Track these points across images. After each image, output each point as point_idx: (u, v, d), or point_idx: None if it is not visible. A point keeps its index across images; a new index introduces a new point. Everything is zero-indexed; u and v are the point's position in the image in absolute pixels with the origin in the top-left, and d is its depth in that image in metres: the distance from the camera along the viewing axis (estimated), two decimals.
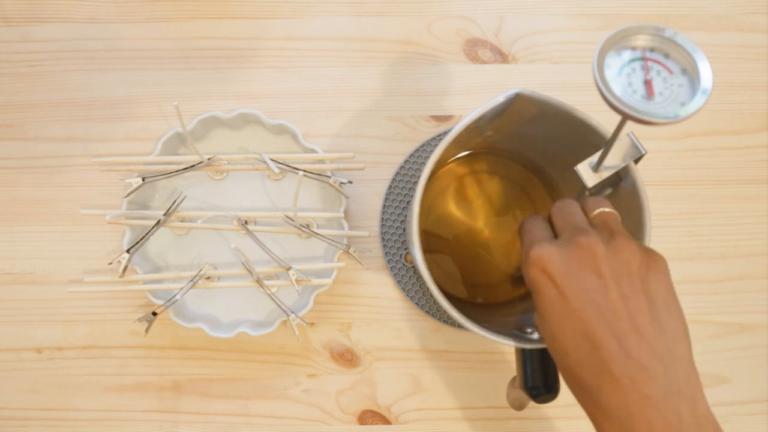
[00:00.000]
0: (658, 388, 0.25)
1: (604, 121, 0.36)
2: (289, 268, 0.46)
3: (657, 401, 0.25)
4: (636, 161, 0.35)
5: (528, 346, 0.35)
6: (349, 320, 0.49)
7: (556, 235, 0.32)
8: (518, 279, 0.48)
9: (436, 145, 0.38)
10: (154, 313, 0.46)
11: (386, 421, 0.48)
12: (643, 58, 0.28)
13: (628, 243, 0.29)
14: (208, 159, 0.47)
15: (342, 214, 0.47)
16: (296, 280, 0.46)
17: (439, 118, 0.52)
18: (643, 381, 0.26)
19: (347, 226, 0.48)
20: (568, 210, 0.32)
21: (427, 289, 0.46)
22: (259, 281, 0.46)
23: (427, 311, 0.49)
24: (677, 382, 0.26)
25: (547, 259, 0.29)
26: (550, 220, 0.33)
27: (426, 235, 0.49)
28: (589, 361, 0.27)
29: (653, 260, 0.29)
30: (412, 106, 0.52)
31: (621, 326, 0.27)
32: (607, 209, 0.32)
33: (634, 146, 0.34)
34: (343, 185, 0.47)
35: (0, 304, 0.49)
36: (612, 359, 0.26)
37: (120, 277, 0.46)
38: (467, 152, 0.49)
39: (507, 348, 0.49)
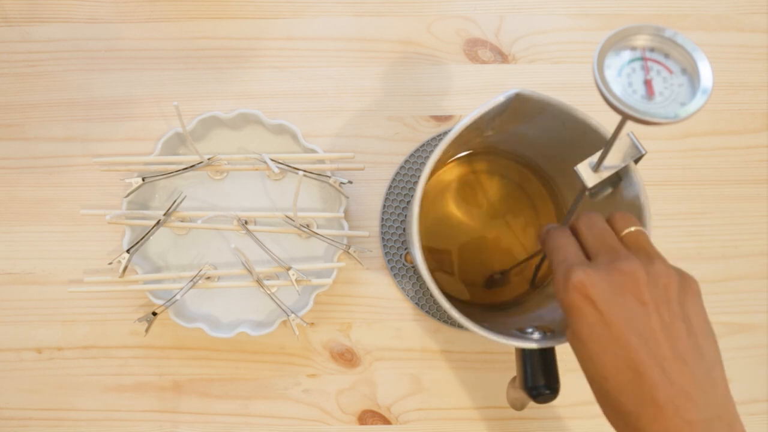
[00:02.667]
0: (699, 414, 0.26)
1: (604, 121, 0.36)
2: (289, 268, 0.46)
3: (698, 426, 0.26)
4: (636, 161, 0.35)
5: (528, 346, 0.35)
6: (349, 320, 0.49)
7: (586, 254, 0.31)
8: (493, 282, 0.48)
9: (436, 145, 0.38)
10: (154, 313, 0.46)
11: (386, 421, 0.48)
12: (643, 58, 0.28)
13: (667, 269, 0.29)
14: (208, 159, 0.47)
15: (342, 214, 0.47)
16: (296, 280, 0.46)
17: (439, 118, 0.52)
18: (685, 407, 0.26)
19: (347, 226, 0.48)
20: (599, 228, 0.32)
21: (427, 289, 0.46)
22: (259, 281, 0.46)
23: (427, 311, 0.49)
24: (716, 407, 0.27)
25: (590, 284, 0.28)
26: (574, 232, 0.33)
27: (426, 235, 0.49)
28: (631, 388, 0.28)
29: (688, 284, 0.29)
30: (412, 106, 0.52)
31: (663, 353, 0.27)
32: (636, 228, 0.31)
33: (634, 146, 0.34)
34: (343, 185, 0.47)
35: (0, 304, 0.49)
36: (656, 386, 0.27)
37: (120, 277, 0.46)
38: (467, 152, 0.49)
39: (507, 348, 0.49)
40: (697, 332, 0.28)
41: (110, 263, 0.46)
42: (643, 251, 0.30)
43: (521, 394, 0.36)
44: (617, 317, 0.28)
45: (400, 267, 0.50)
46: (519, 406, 0.40)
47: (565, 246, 0.31)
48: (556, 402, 0.35)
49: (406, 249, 0.50)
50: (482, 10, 0.54)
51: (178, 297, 0.45)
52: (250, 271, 0.45)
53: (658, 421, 0.27)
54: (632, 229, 0.31)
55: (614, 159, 0.34)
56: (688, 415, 0.26)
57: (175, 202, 0.47)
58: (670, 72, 0.28)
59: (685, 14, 0.54)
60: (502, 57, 0.53)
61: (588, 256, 0.31)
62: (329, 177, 0.47)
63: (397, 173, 0.51)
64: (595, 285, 0.28)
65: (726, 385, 0.28)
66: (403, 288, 0.49)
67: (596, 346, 0.28)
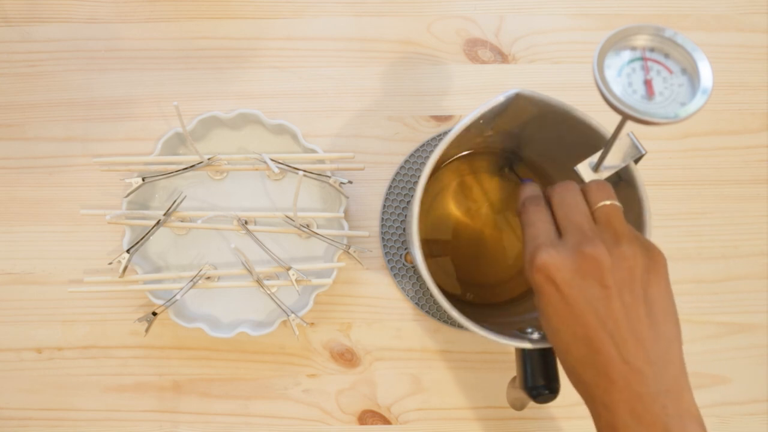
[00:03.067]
0: (648, 388, 0.28)
1: (604, 121, 0.36)
2: (289, 268, 0.46)
3: (646, 398, 0.28)
4: (636, 161, 0.35)
5: (528, 346, 0.35)
6: (349, 320, 0.49)
7: (557, 227, 0.32)
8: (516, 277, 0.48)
9: (436, 145, 0.38)
10: (154, 313, 0.46)
11: (386, 421, 0.48)
12: (643, 58, 0.28)
13: (632, 250, 0.30)
14: (208, 159, 0.47)
15: (342, 214, 0.47)
16: (296, 280, 0.46)
17: (439, 118, 0.52)
18: (636, 381, 0.28)
19: (347, 226, 0.48)
20: (570, 201, 0.32)
21: (427, 289, 0.46)
22: (259, 281, 0.46)
23: (427, 311, 0.49)
24: (666, 381, 0.28)
25: (552, 266, 0.30)
26: (548, 202, 0.33)
27: (426, 235, 0.49)
28: (588, 362, 0.30)
29: (654, 262, 0.30)
30: (412, 106, 0.52)
31: (621, 334, 0.29)
32: (609, 202, 0.31)
33: (634, 146, 0.34)
34: (343, 185, 0.47)
35: (0, 304, 0.49)
36: (610, 363, 0.29)
37: (120, 277, 0.46)
38: (467, 152, 0.49)
39: (507, 348, 0.49)
40: (657, 312, 0.30)
41: (110, 263, 0.46)
42: (612, 229, 0.31)
43: (521, 394, 0.36)
44: (578, 299, 0.29)
45: (400, 267, 0.50)
46: (519, 406, 0.40)
47: (536, 222, 0.32)
48: (556, 402, 0.35)
49: (406, 249, 0.50)
50: (482, 10, 0.54)
51: (178, 297, 0.45)
52: (250, 271, 0.45)
53: (610, 392, 0.29)
54: (606, 203, 0.31)
55: (614, 159, 0.34)
56: (637, 388, 0.28)
57: (175, 202, 0.47)
58: (670, 72, 0.28)
59: (685, 14, 0.54)
60: (502, 57, 0.53)
61: (558, 232, 0.32)
62: (329, 177, 0.47)
63: (397, 173, 0.51)
64: (558, 267, 0.30)
65: (680, 361, 0.29)
66: (403, 288, 0.49)
67: (558, 323, 0.30)
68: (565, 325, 0.30)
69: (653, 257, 0.30)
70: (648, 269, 0.30)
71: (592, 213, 0.32)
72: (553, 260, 0.30)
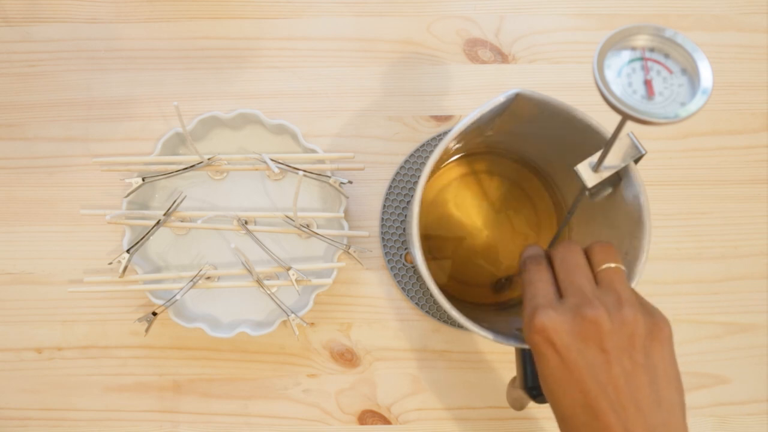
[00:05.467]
0: None
1: (604, 121, 0.36)
2: (289, 268, 0.46)
3: None
4: (636, 161, 0.35)
5: (528, 346, 0.35)
6: (349, 320, 0.49)
7: (558, 288, 0.31)
8: (501, 287, 0.48)
9: (436, 145, 0.38)
10: (154, 313, 0.46)
11: (386, 421, 0.48)
12: (643, 58, 0.28)
13: (634, 314, 0.29)
14: (208, 159, 0.47)
15: (342, 214, 0.47)
16: (296, 280, 0.46)
17: (439, 118, 0.52)
18: None
19: (347, 226, 0.48)
20: (572, 262, 0.31)
21: (427, 289, 0.46)
22: (259, 281, 0.46)
23: (427, 311, 0.49)
24: None
25: (552, 329, 0.29)
26: (550, 261, 0.33)
27: (426, 235, 0.49)
28: (587, 429, 0.29)
29: (657, 328, 0.30)
30: (412, 106, 0.52)
31: (621, 401, 0.28)
32: (613, 265, 0.31)
33: (634, 146, 0.34)
34: (343, 185, 0.47)
35: (0, 304, 0.49)
36: (609, 431, 0.28)
37: (120, 277, 0.46)
38: (467, 152, 0.49)
39: (507, 348, 0.49)
40: (660, 380, 0.29)
41: (110, 263, 0.46)
42: (615, 293, 0.30)
43: (521, 394, 0.36)
44: (577, 363, 0.29)
45: (400, 267, 0.50)
46: (519, 406, 0.40)
47: (536, 282, 0.32)
48: None
49: (406, 249, 0.50)
50: (482, 10, 0.54)
51: (178, 297, 0.45)
52: (250, 271, 0.45)
53: None
54: (610, 265, 0.31)
55: (614, 159, 0.34)
56: None
57: (175, 202, 0.47)
58: (670, 72, 0.28)
59: (685, 14, 0.54)
60: (502, 57, 0.53)
61: (559, 293, 0.31)
62: (329, 177, 0.47)
63: (397, 173, 0.51)
64: (557, 330, 0.29)
65: (683, 429, 0.29)
66: (403, 288, 0.49)
67: (556, 387, 0.30)
68: (564, 389, 0.29)
69: (656, 323, 0.30)
70: (651, 335, 0.29)
71: (595, 275, 0.31)
72: (552, 322, 0.29)
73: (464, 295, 0.48)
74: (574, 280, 0.31)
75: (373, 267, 0.50)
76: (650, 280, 0.50)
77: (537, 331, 0.29)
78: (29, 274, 0.50)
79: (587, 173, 0.34)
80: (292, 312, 0.46)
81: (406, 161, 0.51)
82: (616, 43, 0.28)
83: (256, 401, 0.48)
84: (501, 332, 0.35)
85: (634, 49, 0.28)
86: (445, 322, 0.49)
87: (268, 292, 0.47)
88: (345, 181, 0.47)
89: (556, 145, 0.42)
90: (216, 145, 0.50)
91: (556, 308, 0.30)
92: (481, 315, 0.41)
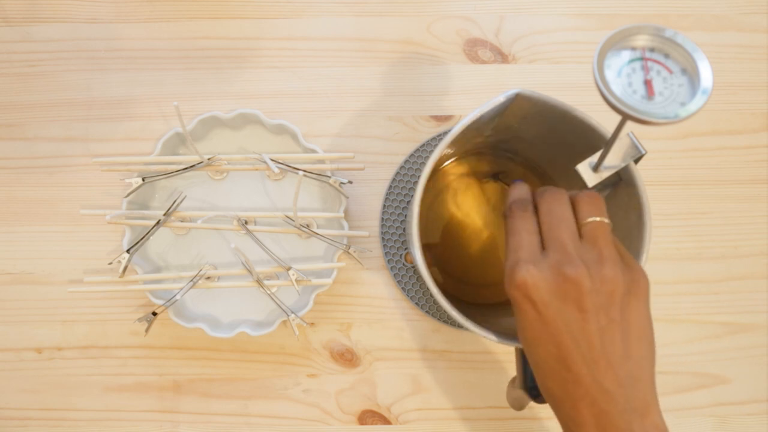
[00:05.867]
0: (615, 406, 0.29)
1: (604, 121, 0.36)
2: (289, 268, 0.46)
3: (613, 416, 0.29)
4: (636, 161, 0.35)
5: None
6: (349, 320, 0.49)
7: (542, 238, 0.31)
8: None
9: (436, 145, 0.38)
10: (154, 313, 0.46)
11: (386, 421, 0.48)
12: (643, 58, 0.28)
13: (614, 273, 0.30)
14: (208, 159, 0.47)
15: (342, 214, 0.47)
16: (296, 280, 0.46)
17: (439, 118, 0.52)
18: (603, 400, 0.29)
19: (347, 226, 0.48)
20: (559, 214, 0.31)
21: (427, 289, 0.46)
22: (259, 281, 0.46)
23: (427, 311, 0.49)
24: (633, 401, 0.29)
25: (532, 285, 0.30)
26: (535, 208, 0.32)
27: (426, 235, 0.49)
28: (559, 377, 0.30)
29: (635, 284, 0.30)
30: (412, 106, 0.52)
31: (593, 355, 0.29)
32: (598, 219, 0.31)
33: (634, 146, 0.34)
34: (343, 185, 0.47)
35: (0, 304, 0.49)
36: (579, 382, 0.29)
37: (120, 277, 0.46)
38: (467, 152, 0.49)
39: (507, 348, 0.49)
40: (632, 335, 0.30)
41: (110, 263, 0.46)
42: (597, 249, 0.30)
43: (521, 394, 0.36)
44: (554, 320, 0.30)
45: (400, 267, 0.50)
46: (519, 406, 0.40)
47: (520, 231, 0.32)
48: None
49: (406, 249, 0.50)
50: (482, 10, 0.54)
51: (178, 297, 0.45)
52: (250, 271, 0.45)
53: (578, 408, 0.30)
54: (595, 219, 0.31)
55: (614, 159, 0.34)
56: (604, 407, 0.29)
57: (175, 202, 0.47)
58: (670, 72, 0.28)
59: (685, 14, 0.54)
60: (502, 57, 0.53)
61: (542, 243, 0.31)
62: (329, 177, 0.47)
63: (397, 173, 0.51)
64: (537, 286, 0.30)
65: (650, 380, 0.30)
66: (403, 288, 0.49)
67: (532, 338, 0.31)
68: (539, 341, 0.30)
69: (635, 279, 0.30)
70: (628, 291, 0.30)
71: (579, 228, 0.31)
72: (532, 279, 0.29)
73: (464, 295, 0.48)
74: (557, 234, 0.31)
75: (373, 267, 0.50)
76: (650, 280, 0.49)
77: (517, 287, 0.30)
78: (29, 274, 0.50)
79: (587, 173, 0.34)
80: (292, 312, 0.46)
81: (406, 161, 0.51)
82: (616, 43, 0.28)
83: (256, 401, 0.48)
84: (501, 332, 0.35)
85: (634, 49, 0.28)
86: (445, 322, 0.49)
87: (268, 292, 0.47)
88: (345, 181, 0.47)
89: (556, 144, 0.42)
90: (216, 145, 0.50)
91: (538, 264, 0.30)
92: (481, 315, 0.41)
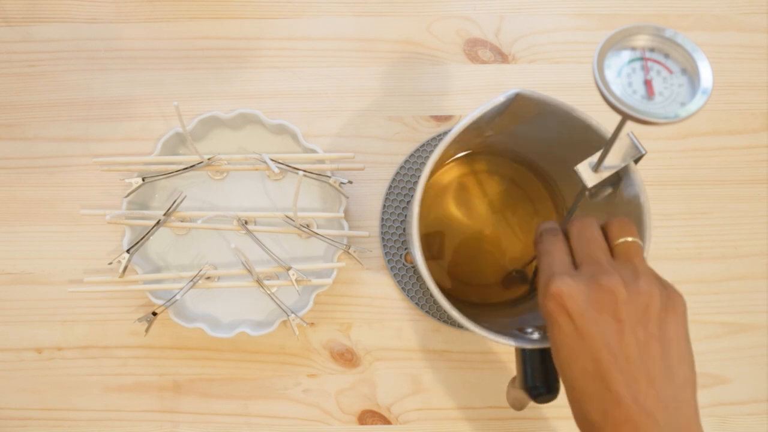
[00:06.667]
0: (658, 430, 0.27)
1: (604, 121, 0.36)
2: (289, 268, 0.46)
3: None
4: (636, 161, 0.35)
5: (528, 346, 0.35)
6: (349, 320, 0.49)
7: (574, 260, 0.31)
8: (511, 281, 0.48)
9: (436, 145, 0.38)
10: (154, 313, 0.46)
11: (386, 421, 0.48)
12: (643, 58, 0.28)
13: (650, 286, 0.29)
14: (208, 159, 0.47)
15: (342, 214, 0.47)
16: (296, 280, 0.46)
17: (439, 118, 0.52)
18: (644, 425, 0.27)
19: (347, 226, 0.48)
20: (589, 235, 0.31)
21: (427, 289, 0.46)
22: (259, 281, 0.46)
23: (427, 311, 0.49)
24: (677, 427, 0.27)
25: (567, 295, 0.29)
26: (566, 236, 0.33)
27: (426, 235, 0.49)
28: (597, 399, 0.28)
29: (672, 302, 0.29)
30: (412, 106, 0.52)
31: (632, 372, 0.28)
32: (630, 239, 0.31)
33: (634, 146, 0.34)
34: (343, 185, 0.47)
35: (0, 304, 0.49)
36: (619, 402, 0.28)
37: (120, 277, 0.46)
38: (467, 152, 0.49)
39: (507, 348, 0.49)
40: (673, 354, 0.29)
41: (110, 263, 0.46)
42: (631, 265, 0.30)
43: (521, 394, 0.36)
44: (590, 331, 0.28)
45: (400, 267, 0.50)
46: (519, 406, 0.40)
47: (552, 252, 0.32)
48: (556, 402, 0.35)
49: (406, 249, 0.50)
50: (482, 10, 0.54)
51: (178, 297, 0.45)
52: (250, 271, 0.45)
53: None
54: (627, 239, 0.31)
55: (614, 159, 0.34)
56: (646, 430, 0.27)
57: (175, 202, 0.47)
58: (670, 72, 0.28)
59: (685, 14, 0.54)
60: (502, 57, 0.53)
61: (575, 264, 0.31)
62: (329, 177, 0.47)
63: (397, 173, 0.51)
64: (573, 297, 0.29)
65: (693, 406, 0.28)
66: (403, 288, 0.49)
67: (567, 355, 0.29)
68: (576, 358, 0.29)
69: (672, 297, 0.29)
70: (666, 308, 0.29)
71: (612, 249, 0.31)
72: (568, 288, 0.29)
73: (464, 295, 0.48)
74: (590, 252, 0.31)
75: (373, 267, 0.50)
76: None
77: (552, 297, 0.29)
78: (29, 274, 0.50)
79: (587, 173, 0.34)
80: (292, 312, 0.46)
81: (406, 161, 0.51)
82: (616, 43, 0.28)
83: (256, 401, 0.48)
84: (501, 332, 0.35)
85: (634, 49, 0.28)
86: (445, 322, 0.49)
87: (268, 292, 0.47)
88: (345, 181, 0.47)
89: (556, 145, 0.42)
90: (216, 145, 0.50)
91: (572, 275, 0.30)
92: (481, 315, 0.41)
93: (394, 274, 0.49)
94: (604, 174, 0.34)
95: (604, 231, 0.32)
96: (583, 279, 0.29)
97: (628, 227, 0.32)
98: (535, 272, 0.46)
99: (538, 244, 0.33)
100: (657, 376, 0.28)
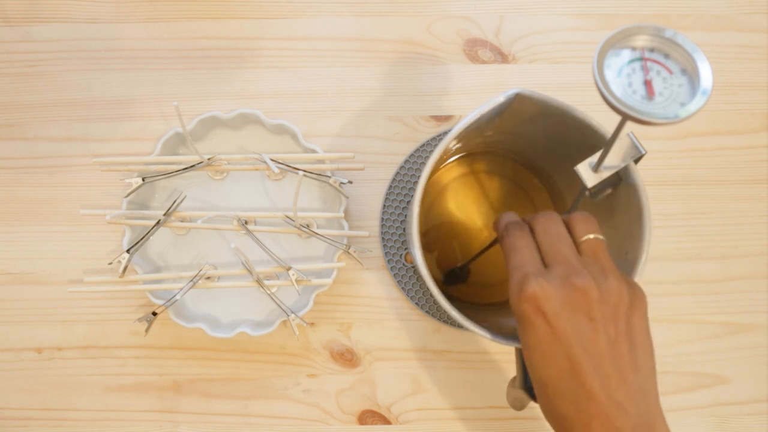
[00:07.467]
0: (628, 422, 0.29)
1: (604, 121, 0.36)
2: (289, 268, 0.46)
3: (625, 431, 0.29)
4: (636, 161, 0.35)
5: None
6: (349, 320, 0.49)
7: (542, 257, 0.31)
8: (451, 277, 0.48)
9: (436, 145, 0.38)
10: (154, 313, 0.46)
11: (386, 421, 0.48)
12: (643, 59, 0.28)
13: (619, 285, 0.30)
14: (208, 159, 0.47)
15: (342, 214, 0.47)
16: (296, 280, 0.46)
17: (439, 118, 0.52)
18: (616, 417, 0.29)
19: (347, 226, 0.48)
20: (555, 232, 0.32)
21: (427, 289, 0.46)
22: (259, 281, 0.46)
23: (427, 311, 0.49)
24: (644, 415, 0.29)
25: (543, 297, 0.29)
26: (531, 230, 0.33)
27: (426, 235, 0.49)
28: (570, 395, 0.29)
29: (637, 298, 0.31)
30: (412, 106, 0.52)
31: (605, 369, 0.29)
32: (593, 236, 0.31)
33: (634, 146, 0.34)
34: (343, 185, 0.47)
35: (0, 304, 0.49)
36: (593, 398, 0.29)
37: (120, 277, 0.46)
38: (467, 152, 0.49)
39: (507, 348, 0.49)
40: (638, 347, 0.30)
41: (110, 263, 0.46)
42: (598, 264, 0.31)
43: (521, 394, 0.36)
44: (566, 331, 0.29)
45: (400, 267, 0.50)
46: (519, 406, 0.40)
47: (521, 248, 0.32)
48: None
49: (406, 249, 0.50)
50: (482, 10, 0.54)
51: (178, 297, 0.45)
52: (250, 271, 0.45)
53: (590, 427, 0.29)
54: (591, 236, 0.31)
55: (614, 159, 0.34)
56: (617, 423, 0.28)
57: (175, 202, 0.47)
58: (670, 72, 0.28)
59: (685, 14, 0.54)
60: (502, 57, 0.53)
61: (544, 262, 0.31)
62: (329, 177, 0.47)
63: (397, 173, 0.51)
64: (548, 298, 0.29)
65: (655, 394, 0.30)
66: (403, 288, 0.49)
67: (542, 355, 0.30)
68: (551, 357, 0.30)
69: (636, 294, 0.31)
70: (632, 305, 0.30)
71: (577, 246, 0.32)
72: (543, 291, 0.29)
73: (464, 295, 0.48)
74: (559, 250, 0.31)
75: (373, 267, 0.50)
76: (650, 280, 0.50)
77: (527, 300, 0.30)
78: (29, 274, 0.50)
79: (587, 173, 0.34)
80: (292, 312, 0.46)
81: (406, 161, 0.51)
82: (616, 43, 0.28)
83: (256, 401, 0.48)
84: (501, 332, 0.35)
85: (634, 49, 0.28)
86: (445, 322, 0.49)
87: (268, 292, 0.47)
88: (345, 181, 0.47)
89: (557, 145, 0.42)
90: (216, 145, 0.50)
91: (546, 276, 0.30)
92: (481, 315, 0.41)
93: (394, 274, 0.49)
94: (604, 174, 0.34)
95: (568, 226, 0.32)
96: (557, 280, 0.30)
97: (591, 223, 0.32)
98: None
99: (505, 237, 0.33)
100: (626, 371, 0.29)
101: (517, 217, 0.34)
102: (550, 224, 0.32)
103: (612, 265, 0.31)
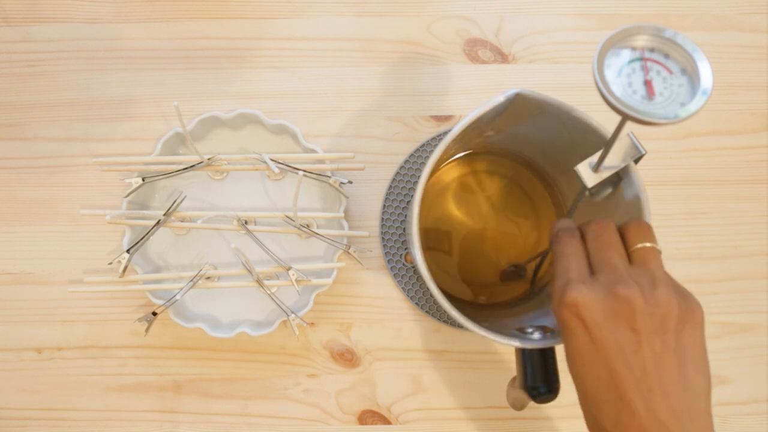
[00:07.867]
0: None
1: (604, 121, 0.36)
2: (289, 268, 0.46)
3: None
4: (636, 161, 0.35)
5: (528, 346, 0.35)
6: (349, 320, 0.49)
7: (590, 264, 0.31)
8: (508, 275, 0.48)
9: (436, 145, 0.38)
10: (154, 313, 0.46)
11: (386, 421, 0.48)
12: (643, 59, 0.28)
13: (668, 296, 0.29)
14: (208, 159, 0.47)
15: (342, 214, 0.47)
16: (296, 280, 0.46)
17: (439, 118, 0.52)
18: None
19: (347, 226, 0.48)
20: (606, 239, 0.31)
21: (427, 289, 0.46)
22: (259, 281, 0.46)
23: (427, 311, 0.49)
24: None
25: (583, 305, 0.28)
26: (582, 237, 0.32)
27: (426, 235, 0.49)
28: (610, 408, 0.28)
29: (690, 312, 0.29)
30: (412, 106, 0.52)
31: (648, 384, 0.28)
32: (649, 244, 0.30)
33: (634, 146, 0.34)
34: (343, 185, 0.47)
35: (0, 304, 0.49)
36: (633, 412, 0.27)
37: (120, 277, 0.46)
38: (467, 152, 0.49)
39: (507, 348, 0.49)
40: (689, 364, 0.28)
41: (110, 263, 0.46)
42: (649, 273, 0.29)
43: (521, 394, 0.36)
44: (606, 342, 0.28)
45: (400, 267, 0.50)
46: (519, 406, 0.40)
47: (569, 255, 0.31)
48: (556, 402, 0.35)
49: (406, 249, 0.50)
50: (482, 10, 0.54)
51: (178, 297, 0.45)
52: (250, 271, 0.45)
53: None
54: (645, 245, 0.30)
55: (614, 159, 0.34)
56: None
57: (175, 202, 0.47)
58: (670, 72, 0.28)
59: (685, 14, 0.54)
60: (502, 57, 0.53)
61: (591, 269, 0.30)
62: (329, 177, 0.47)
63: (397, 173, 0.51)
64: (588, 306, 0.28)
65: (707, 417, 0.29)
66: (403, 288, 0.49)
67: (581, 364, 0.29)
68: (590, 368, 0.29)
69: (690, 306, 0.29)
70: (683, 318, 0.29)
71: (629, 254, 0.31)
72: (584, 298, 0.28)
73: (464, 295, 0.48)
74: (607, 257, 0.30)
75: (373, 267, 0.50)
76: None
77: (567, 306, 0.29)
78: (29, 274, 0.50)
79: (587, 173, 0.34)
80: (292, 312, 0.46)
81: (406, 161, 0.51)
82: (616, 43, 0.28)
83: (256, 401, 0.48)
84: (501, 332, 0.35)
85: (634, 49, 0.28)
86: (445, 322, 0.49)
87: (268, 292, 0.47)
88: (345, 181, 0.47)
89: (557, 145, 0.42)
90: (216, 145, 0.50)
91: (589, 284, 0.29)
92: (481, 315, 0.41)
93: (394, 274, 0.49)
94: (604, 174, 0.34)
95: (622, 234, 0.31)
96: (601, 288, 0.29)
97: (647, 232, 0.31)
98: (536, 271, 0.46)
99: (555, 244, 0.32)
100: (672, 388, 0.28)
101: (571, 224, 0.33)
102: (601, 231, 0.31)
103: (665, 275, 0.30)
